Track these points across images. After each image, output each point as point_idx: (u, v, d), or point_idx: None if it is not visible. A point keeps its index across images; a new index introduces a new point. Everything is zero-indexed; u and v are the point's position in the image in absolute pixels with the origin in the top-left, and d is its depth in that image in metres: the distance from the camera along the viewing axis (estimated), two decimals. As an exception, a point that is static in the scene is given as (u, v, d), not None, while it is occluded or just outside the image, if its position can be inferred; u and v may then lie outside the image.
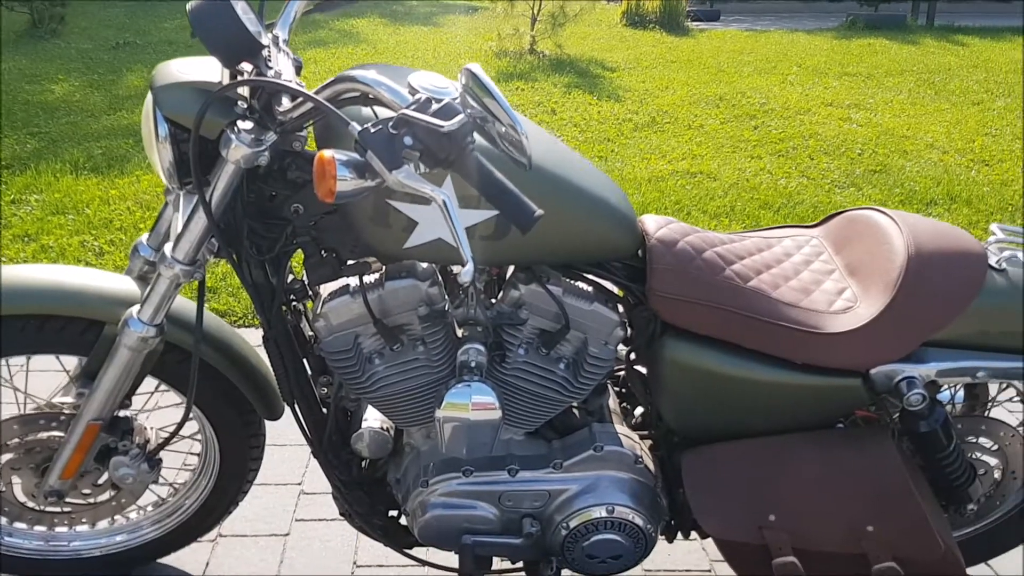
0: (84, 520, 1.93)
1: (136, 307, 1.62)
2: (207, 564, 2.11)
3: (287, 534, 2.21)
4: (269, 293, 1.63)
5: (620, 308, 1.71)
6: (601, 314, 1.65)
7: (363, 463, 1.90)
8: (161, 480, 2.00)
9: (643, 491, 1.76)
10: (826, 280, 1.73)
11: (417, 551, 1.91)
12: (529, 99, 6.49)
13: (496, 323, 1.65)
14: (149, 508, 2.04)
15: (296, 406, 1.73)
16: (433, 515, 1.75)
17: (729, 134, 5.89)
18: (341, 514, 1.90)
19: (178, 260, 1.55)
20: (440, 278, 1.68)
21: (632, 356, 1.80)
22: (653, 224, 1.69)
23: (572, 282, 1.67)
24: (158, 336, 1.63)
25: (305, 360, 1.76)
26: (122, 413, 1.79)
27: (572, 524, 1.74)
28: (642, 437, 1.85)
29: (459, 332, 1.67)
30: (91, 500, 1.89)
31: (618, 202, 1.64)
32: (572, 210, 1.56)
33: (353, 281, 1.63)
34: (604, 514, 1.73)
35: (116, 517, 2.02)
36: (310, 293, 1.71)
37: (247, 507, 2.29)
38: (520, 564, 1.88)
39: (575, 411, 1.84)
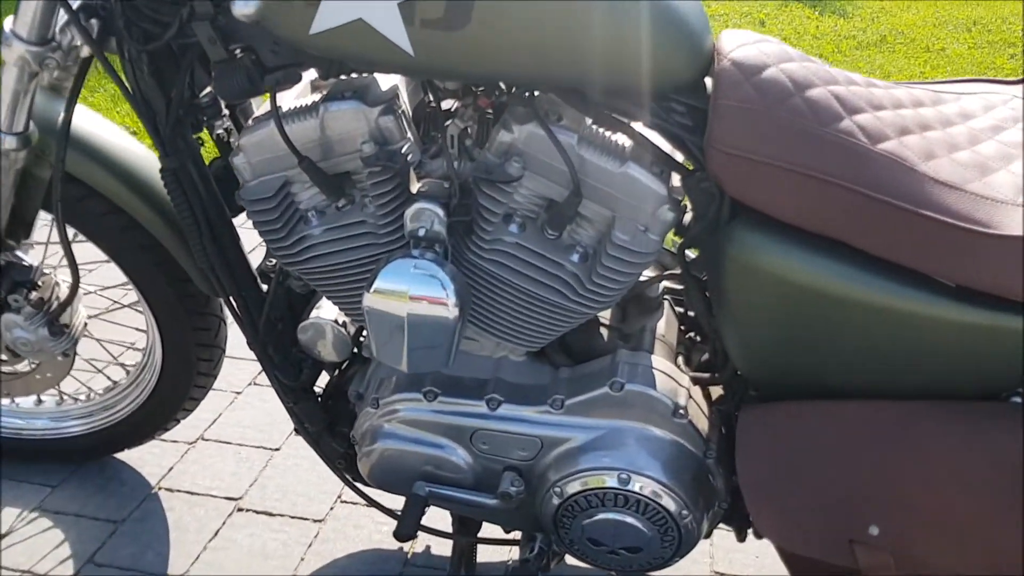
0: (8, 392, 1.59)
1: (-11, 112, 1.21)
2: (169, 469, 1.73)
3: (277, 449, 1.79)
4: (163, 105, 1.16)
5: (675, 178, 1.11)
6: (638, 182, 1.06)
7: (334, 369, 1.42)
8: (109, 361, 1.63)
9: (682, 459, 1.16)
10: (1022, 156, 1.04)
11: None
12: (736, 9, 5.67)
13: (474, 178, 1.09)
14: (100, 392, 1.68)
15: (217, 273, 1.26)
16: (384, 447, 1.25)
17: (976, 60, 4.83)
18: (295, 431, 1.44)
19: (19, 36, 1.12)
20: (406, 109, 1.15)
21: (693, 256, 1.19)
22: (733, 40, 1.06)
23: (597, 128, 1.08)
24: (22, 148, 1.22)
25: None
26: (27, 262, 1.41)
27: (569, 490, 1.18)
28: (705, 383, 1.25)
29: (414, 187, 1.13)
30: (9, 369, 1.54)
31: None
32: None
33: (300, 100, 1.14)
34: (615, 484, 1.16)
35: (64, 398, 1.68)
36: (224, 112, 1.24)
37: (243, 411, 1.89)
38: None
39: (602, 331, 1.26)
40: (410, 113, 1.16)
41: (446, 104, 1.20)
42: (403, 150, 1.11)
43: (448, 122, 1.17)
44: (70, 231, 1.40)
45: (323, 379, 1.41)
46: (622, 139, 1.08)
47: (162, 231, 1.35)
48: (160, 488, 1.68)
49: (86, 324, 1.51)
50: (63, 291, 1.44)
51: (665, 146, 1.09)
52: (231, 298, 1.29)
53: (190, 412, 1.64)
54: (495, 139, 1.08)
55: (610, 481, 1.16)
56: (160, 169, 1.18)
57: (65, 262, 1.31)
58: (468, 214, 1.09)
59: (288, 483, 1.70)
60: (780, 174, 0.99)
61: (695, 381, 1.22)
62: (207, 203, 1.22)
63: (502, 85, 1.12)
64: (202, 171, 1.21)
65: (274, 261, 1.36)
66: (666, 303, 1.30)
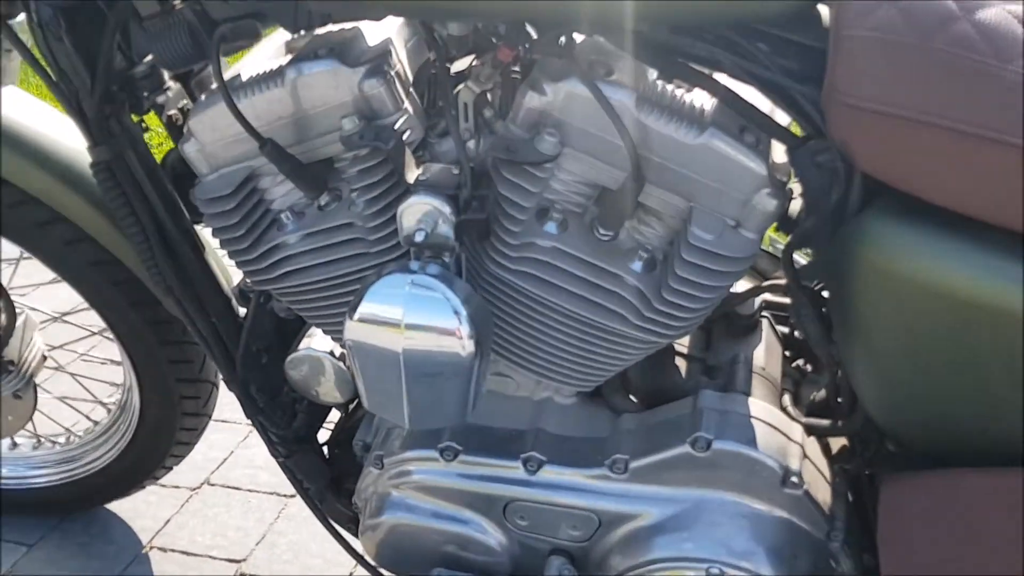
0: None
1: None
2: (165, 523, 1.46)
3: (291, 495, 1.51)
4: (88, 78, 0.88)
5: (777, 149, 0.78)
6: (724, 157, 0.74)
7: (344, 409, 1.13)
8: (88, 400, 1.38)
9: (796, 544, 0.84)
10: None
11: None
12: None
13: (493, 160, 0.79)
14: (80, 434, 1.42)
15: (176, 295, 0.99)
16: (392, 521, 0.95)
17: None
18: (294, 486, 1.15)
19: None
20: (402, 70, 0.85)
21: (805, 262, 0.86)
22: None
23: (662, 83, 0.77)
24: None
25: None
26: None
27: (638, 586, 0.87)
28: (823, 434, 0.91)
29: (412, 175, 0.83)
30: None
31: None
32: None
33: (265, 64, 0.85)
34: (702, 581, 0.84)
35: (41, 441, 1.43)
36: (167, 85, 0.95)
37: (258, 448, 1.61)
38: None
39: (678, 364, 0.94)
40: (409, 76, 0.87)
41: (458, 65, 0.90)
42: (397, 125, 0.81)
43: (459, 86, 0.86)
44: (13, 247, 1.15)
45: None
46: (700, 97, 0.76)
47: (117, 243, 1.08)
48: (152, 547, 1.42)
49: (44, 357, 1.25)
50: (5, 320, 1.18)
51: (763, 104, 0.77)
52: (197, 326, 1.01)
53: (181, 458, 1.38)
54: (521, 104, 0.77)
55: None
56: (91, 164, 0.91)
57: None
58: (485, 210, 0.79)
59: (301, 540, 1.42)
60: (939, 137, 0.66)
61: (809, 431, 0.89)
62: (156, 204, 0.94)
63: (529, 28, 0.81)
64: (147, 163, 0.94)
65: (255, 278, 1.08)
66: (764, 322, 0.97)
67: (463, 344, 0.77)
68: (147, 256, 0.95)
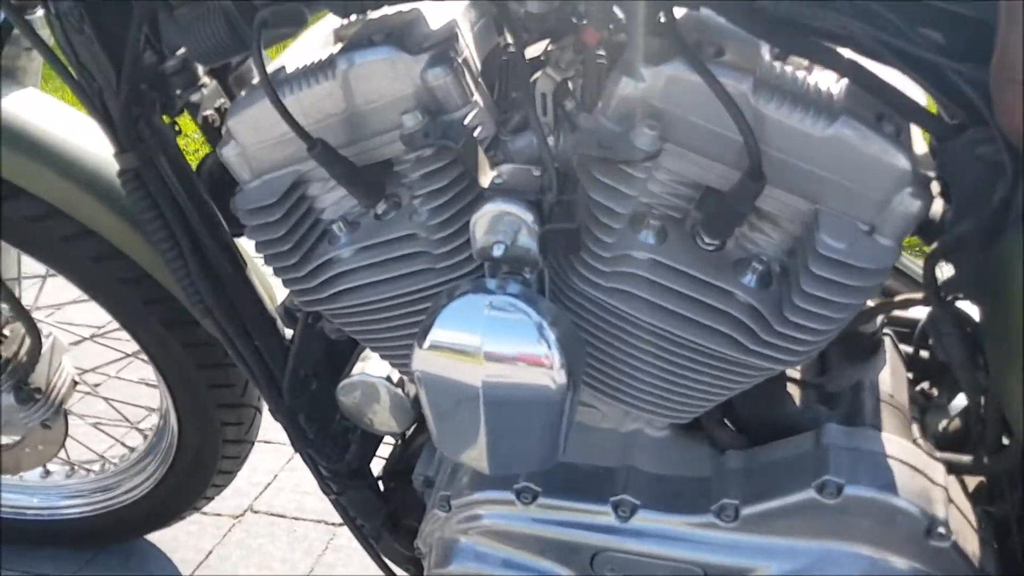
0: (8, 467, 1.25)
1: None
2: (207, 555, 1.37)
3: (340, 524, 1.40)
4: (113, 75, 0.78)
5: (918, 139, 0.66)
6: (857, 150, 0.62)
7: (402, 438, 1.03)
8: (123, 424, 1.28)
9: (943, 605, 0.71)
10: None
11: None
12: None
13: (581, 159, 0.67)
14: (116, 461, 1.33)
15: (214, 316, 0.88)
16: (460, 571, 0.84)
17: None
18: (347, 524, 1.05)
19: None
20: (470, 57, 0.74)
21: (943, 276, 0.73)
22: None
23: (783, 63, 0.65)
24: None
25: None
26: None
27: (753, 653, 0.75)
28: (966, 471, 0.78)
29: (486, 178, 0.71)
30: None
31: None
32: None
33: (314, 55, 0.74)
34: (832, 649, 0.71)
35: (76, 469, 1.34)
36: (202, 82, 0.85)
37: (303, 471, 1.49)
38: None
39: (791, 390, 0.82)
40: (478, 64, 0.75)
41: (531, 50, 0.78)
42: (467, 121, 0.70)
43: (537, 73, 0.75)
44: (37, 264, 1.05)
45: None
46: (828, 79, 0.64)
47: (149, 259, 0.98)
48: (193, 582, 1.33)
49: (75, 383, 1.15)
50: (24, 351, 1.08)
51: (905, 86, 0.64)
52: (238, 349, 0.91)
53: (223, 487, 1.28)
54: (613, 93, 0.65)
55: (822, 642, 0.72)
56: (118, 172, 0.81)
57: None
58: (573, 218, 0.67)
59: (352, 571, 1.32)
60: None
61: (950, 468, 0.76)
62: (192, 216, 0.84)
63: (616, 9, 0.69)
64: (181, 170, 0.83)
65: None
66: (887, 340, 0.84)
67: (553, 375, 0.65)
68: (182, 273, 0.85)
